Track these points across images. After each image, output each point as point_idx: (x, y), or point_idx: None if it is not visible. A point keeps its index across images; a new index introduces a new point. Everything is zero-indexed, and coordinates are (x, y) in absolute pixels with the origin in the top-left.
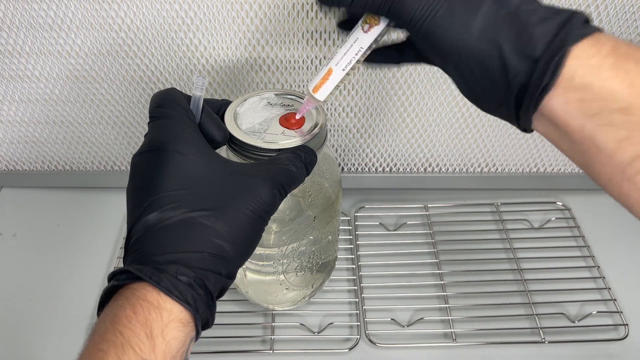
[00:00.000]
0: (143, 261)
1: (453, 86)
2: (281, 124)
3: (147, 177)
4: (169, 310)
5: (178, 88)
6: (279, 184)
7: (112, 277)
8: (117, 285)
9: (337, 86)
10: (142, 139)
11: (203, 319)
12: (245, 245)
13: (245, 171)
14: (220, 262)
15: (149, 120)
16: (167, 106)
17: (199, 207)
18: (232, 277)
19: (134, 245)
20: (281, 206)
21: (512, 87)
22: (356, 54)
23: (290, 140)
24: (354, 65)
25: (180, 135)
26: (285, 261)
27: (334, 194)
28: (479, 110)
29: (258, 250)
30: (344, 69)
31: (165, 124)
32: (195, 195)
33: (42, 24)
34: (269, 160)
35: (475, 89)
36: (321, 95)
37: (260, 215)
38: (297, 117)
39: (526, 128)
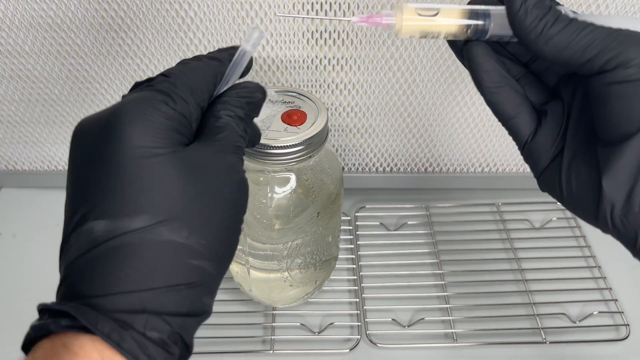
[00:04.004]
0: (87, 299)
1: (453, 86)
2: (283, 121)
3: (96, 161)
4: None
5: None
6: (240, 162)
7: (43, 311)
8: (46, 330)
9: (431, 34)
10: None
11: None
12: (227, 255)
13: (205, 164)
14: (202, 291)
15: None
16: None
17: (163, 217)
18: (214, 297)
19: (71, 268)
20: (285, 203)
21: None
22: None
23: (292, 136)
24: (477, 31)
25: (156, 115)
26: (289, 258)
27: (336, 190)
28: (479, 110)
29: (263, 248)
30: (464, 19)
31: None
32: (157, 200)
33: (41, 24)
34: (209, 133)
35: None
36: (412, 17)
37: (237, 211)
38: (356, 20)
39: None
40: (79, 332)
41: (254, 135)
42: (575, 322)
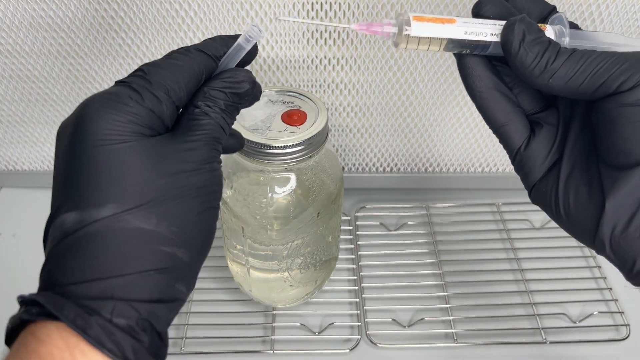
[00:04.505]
0: (61, 287)
1: (454, 85)
2: (283, 121)
3: (67, 156)
4: None
5: None
6: (213, 151)
7: (21, 303)
8: (25, 320)
9: (432, 43)
10: None
11: None
12: (202, 243)
13: (171, 152)
14: (174, 277)
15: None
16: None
17: (130, 205)
18: (191, 288)
19: (47, 259)
20: (285, 203)
21: None
22: (493, 35)
23: (292, 136)
24: (477, 43)
25: (125, 106)
26: (289, 258)
27: (336, 190)
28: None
29: (263, 248)
30: (466, 33)
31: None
32: (124, 188)
33: (41, 24)
34: (184, 124)
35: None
36: (417, 30)
37: (209, 199)
38: (356, 27)
39: None
40: (47, 320)
41: (235, 144)
42: (575, 322)
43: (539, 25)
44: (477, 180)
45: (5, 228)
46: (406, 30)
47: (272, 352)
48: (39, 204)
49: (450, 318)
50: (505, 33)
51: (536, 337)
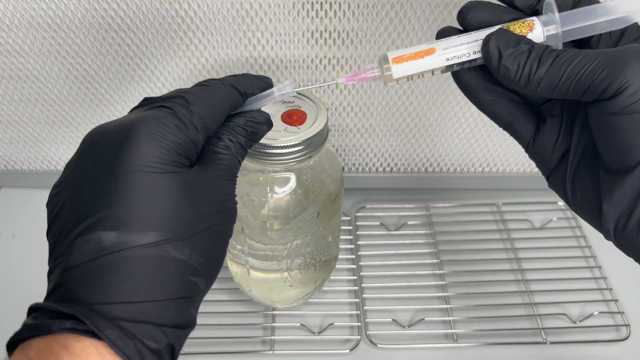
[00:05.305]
0: (89, 305)
1: (454, 85)
2: (283, 121)
3: (107, 172)
4: None
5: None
6: (233, 186)
7: (35, 309)
8: (44, 330)
9: (418, 76)
10: None
11: None
12: (215, 273)
13: (206, 187)
14: (192, 305)
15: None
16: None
17: (170, 235)
18: (197, 310)
19: (72, 273)
20: (285, 203)
21: None
22: (475, 52)
23: (292, 136)
24: (464, 64)
25: (176, 135)
26: (289, 258)
27: (336, 190)
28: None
29: (263, 248)
30: (448, 59)
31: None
32: (167, 218)
33: (41, 23)
34: (210, 157)
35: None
36: (398, 71)
37: (227, 231)
38: (343, 81)
39: None
40: (79, 335)
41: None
42: (575, 323)
43: (528, 21)
44: (477, 180)
45: (5, 228)
46: (387, 71)
47: (271, 352)
48: (38, 204)
49: (451, 318)
50: (483, 52)
51: (536, 338)
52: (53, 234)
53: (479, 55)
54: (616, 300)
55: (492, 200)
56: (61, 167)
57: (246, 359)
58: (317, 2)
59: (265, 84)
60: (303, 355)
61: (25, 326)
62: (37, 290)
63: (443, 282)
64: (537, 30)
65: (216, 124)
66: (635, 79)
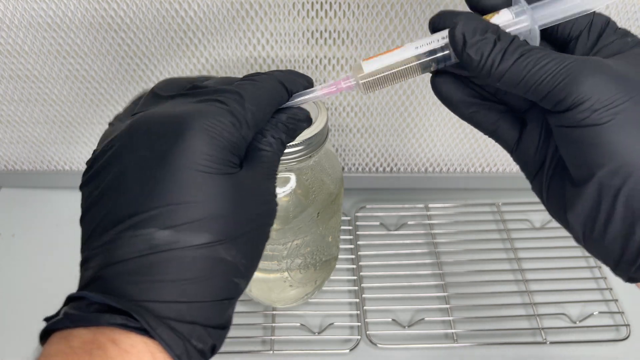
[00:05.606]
0: (138, 301)
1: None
2: None
3: (160, 166)
4: None
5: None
6: (274, 186)
7: (75, 299)
8: (89, 323)
9: (393, 74)
10: None
11: None
12: (253, 274)
13: (250, 182)
14: (232, 306)
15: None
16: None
17: (221, 237)
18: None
19: (116, 267)
20: (285, 203)
21: None
22: (443, 38)
23: None
24: (431, 55)
25: (233, 128)
26: (289, 258)
27: (336, 190)
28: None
29: None
30: (417, 48)
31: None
32: (220, 220)
33: (41, 23)
34: (254, 155)
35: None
36: (369, 66)
37: (267, 232)
38: (324, 92)
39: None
40: (129, 331)
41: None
42: (575, 323)
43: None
44: (477, 180)
45: (5, 228)
46: (361, 71)
47: (271, 352)
48: (38, 204)
49: (450, 318)
50: (449, 37)
51: (536, 337)
52: (90, 221)
53: (447, 41)
54: (616, 300)
55: (492, 200)
56: (61, 167)
57: (246, 359)
58: (317, 2)
59: (307, 82)
60: (303, 355)
61: (67, 315)
62: (37, 290)
63: (443, 282)
64: (503, 13)
65: (264, 122)
66: (590, 94)
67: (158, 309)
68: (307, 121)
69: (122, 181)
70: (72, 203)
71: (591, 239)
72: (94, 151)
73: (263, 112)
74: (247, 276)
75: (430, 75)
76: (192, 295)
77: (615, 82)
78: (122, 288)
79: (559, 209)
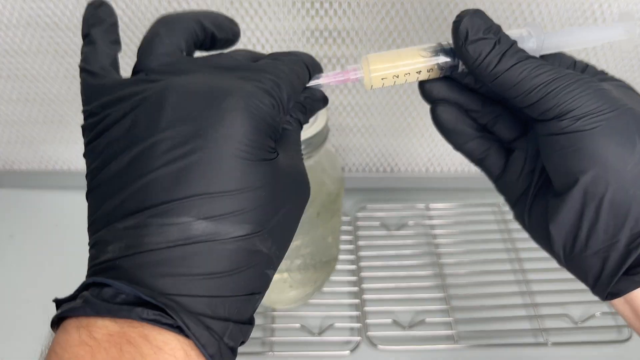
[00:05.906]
0: (171, 295)
1: None
2: None
3: (196, 147)
4: None
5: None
6: (303, 165)
7: (90, 285)
8: (117, 315)
9: (403, 74)
10: None
11: None
12: (280, 262)
13: (285, 166)
14: (260, 300)
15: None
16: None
17: (260, 228)
18: None
19: (144, 256)
20: None
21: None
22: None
23: None
24: (439, 61)
25: (275, 113)
26: (289, 259)
27: (336, 190)
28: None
29: None
30: (425, 49)
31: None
32: (261, 211)
33: (39, 22)
34: (282, 139)
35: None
36: (380, 60)
37: (301, 214)
38: (323, 81)
39: (600, 295)
40: (161, 327)
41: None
42: (577, 323)
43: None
44: (478, 181)
45: (3, 229)
46: (372, 65)
47: (271, 353)
48: (37, 205)
49: (451, 319)
50: (453, 28)
51: (538, 338)
52: (104, 198)
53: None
54: None
55: (493, 200)
56: (59, 167)
57: None
58: (317, 1)
59: (320, 69)
60: (303, 356)
61: (89, 303)
62: (36, 290)
63: (444, 283)
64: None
65: (293, 104)
66: (578, 104)
67: (191, 305)
68: (324, 101)
69: (153, 158)
70: (71, 203)
71: (572, 253)
72: (87, 99)
73: (294, 94)
74: (276, 267)
75: (430, 108)
76: (227, 289)
77: (603, 96)
78: (150, 279)
79: (538, 227)
